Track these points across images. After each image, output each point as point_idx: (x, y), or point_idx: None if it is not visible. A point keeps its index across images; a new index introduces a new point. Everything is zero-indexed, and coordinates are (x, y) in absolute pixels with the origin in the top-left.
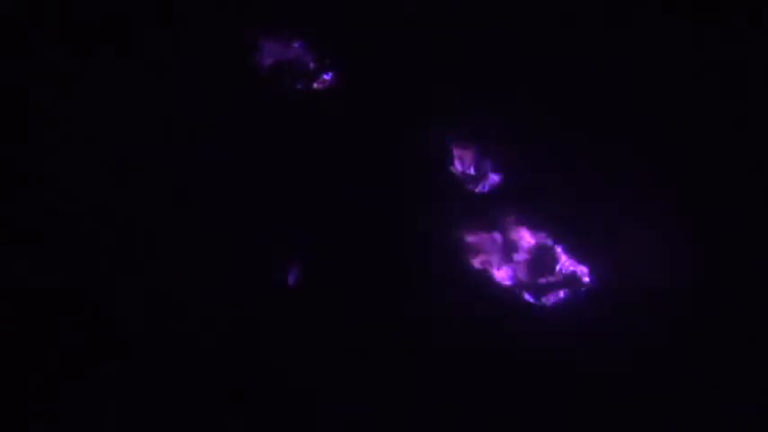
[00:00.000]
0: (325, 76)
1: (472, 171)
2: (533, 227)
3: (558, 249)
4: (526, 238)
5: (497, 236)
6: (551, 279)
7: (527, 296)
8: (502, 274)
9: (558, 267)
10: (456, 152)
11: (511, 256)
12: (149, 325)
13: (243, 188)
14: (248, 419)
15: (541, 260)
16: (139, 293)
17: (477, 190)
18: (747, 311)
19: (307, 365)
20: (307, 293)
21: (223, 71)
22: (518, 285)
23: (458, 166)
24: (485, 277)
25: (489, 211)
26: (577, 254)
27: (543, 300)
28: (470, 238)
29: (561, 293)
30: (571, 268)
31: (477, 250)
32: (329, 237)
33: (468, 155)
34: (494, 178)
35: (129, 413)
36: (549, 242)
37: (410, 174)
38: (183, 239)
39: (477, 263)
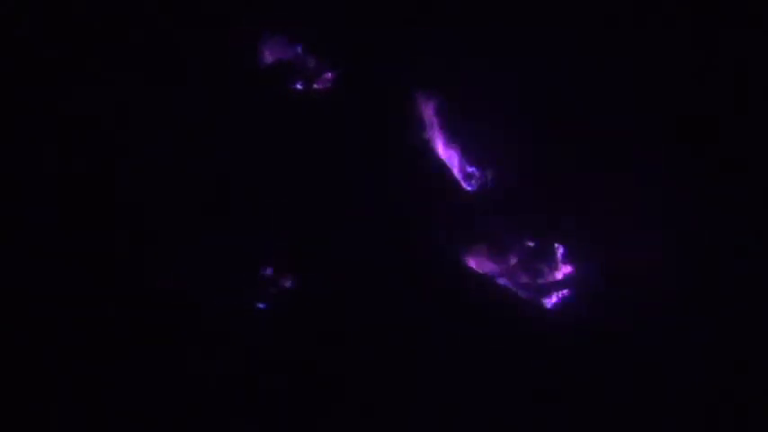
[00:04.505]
0: (326, 76)
1: (472, 171)
2: (533, 227)
3: (558, 250)
4: (526, 239)
5: (497, 236)
6: (551, 279)
7: (527, 296)
8: (501, 275)
9: (557, 267)
10: (456, 152)
11: (510, 256)
12: (148, 325)
13: (243, 187)
14: (247, 420)
15: (541, 260)
16: (139, 293)
17: (476, 190)
18: (747, 312)
19: (306, 365)
20: (306, 293)
21: (223, 71)
22: (517, 286)
23: (458, 167)
24: (484, 277)
25: (489, 211)
26: (577, 254)
27: (543, 300)
28: (470, 239)
29: (561, 293)
30: (571, 268)
31: (476, 251)
32: (329, 236)
33: (468, 155)
34: (494, 179)
35: (128, 413)
36: (549, 242)
37: (410, 173)
38: (182, 239)
39: (476, 263)
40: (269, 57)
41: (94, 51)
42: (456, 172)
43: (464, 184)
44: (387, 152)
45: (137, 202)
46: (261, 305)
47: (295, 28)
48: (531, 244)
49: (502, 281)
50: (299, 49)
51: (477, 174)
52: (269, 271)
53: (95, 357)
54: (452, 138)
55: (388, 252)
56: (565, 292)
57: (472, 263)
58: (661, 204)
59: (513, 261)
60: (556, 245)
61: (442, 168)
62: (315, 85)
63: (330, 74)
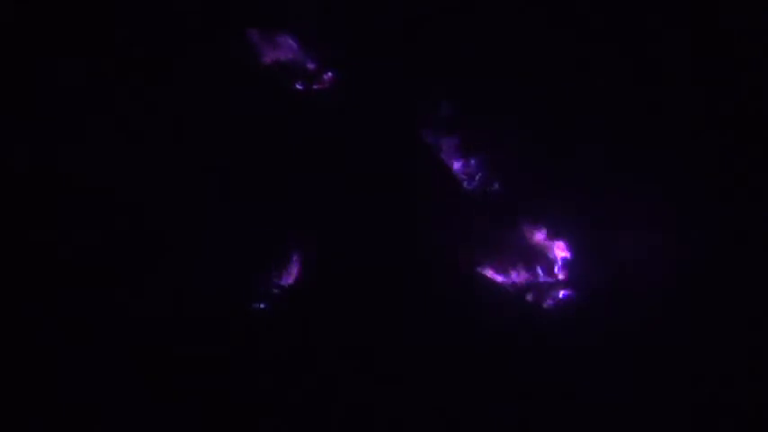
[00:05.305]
0: (326, 76)
1: (473, 171)
2: (533, 227)
3: (558, 250)
4: (527, 239)
5: (497, 236)
6: (551, 279)
7: (526, 296)
8: (501, 275)
9: (557, 267)
10: (456, 152)
11: (510, 256)
12: (147, 325)
13: (242, 188)
14: (247, 420)
15: (541, 260)
16: (139, 294)
17: (476, 190)
18: (747, 312)
19: (306, 365)
20: (306, 294)
21: (223, 71)
22: (517, 286)
23: (458, 166)
24: (483, 277)
25: (488, 211)
26: (577, 254)
27: (543, 300)
28: (469, 238)
29: (561, 293)
30: (571, 268)
31: (475, 250)
32: (328, 236)
33: (469, 155)
34: (493, 178)
35: (128, 412)
36: (549, 242)
37: (410, 173)
38: (182, 239)
39: (475, 263)
40: (269, 57)
41: (94, 51)
42: (456, 171)
43: (464, 184)
44: (386, 152)
45: (136, 202)
46: (261, 305)
47: (295, 28)
48: (531, 244)
49: (502, 280)
50: (299, 49)
51: (477, 173)
52: (269, 271)
53: (95, 357)
54: (452, 137)
55: (388, 252)
56: (565, 292)
57: (472, 262)
58: (661, 204)
59: (514, 261)
60: (556, 245)
61: (443, 168)
62: (315, 85)
63: (330, 74)
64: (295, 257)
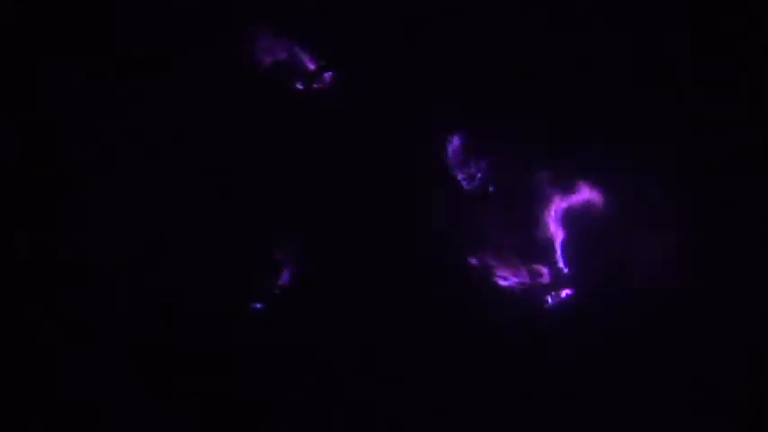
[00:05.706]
0: (326, 76)
1: (473, 171)
2: (533, 227)
3: (558, 250)
4: (527, 239)
5: (497, 236)
6: (551, 279)
7: (527, 296)
8: (501, 274)
9: (557, 268)
10: (456, 152)
11: (511, 256)
12: (147, 325)
13: (242, 188)
14: (246, 419)
15: (541, 260)
16: (139, 294)
17: (476, 190)
18: (747, 312)
19: (306, 365)
20: (306, 293)
21: (223, 71)
22: (517, 286)
23: (458, 167)
24: (484, 277)
25: (489, 211)
26: (577, 254)
27: (543, 300)
28: (470, 239)
29: (561, 293)
30: (571, 269)
31: (476, 250)
32: (328, 236)
33: (469, 155)
34: (494, 178)
35: (128, 412)
36: (549, 242)
37: (409, 173)
38: (182, 240)
39: (476, 263)
40: (268, 57)
41: (94, 51)
42: (456, 171)
43: (464, 184)
44: (386, 152)
45: (136, 202)
46: (260, 305)
47: (294, 28)
48: (531, 244)
49: (502, 281)
50: (299, 50)
51: (477, 173)
52: (269, 271)
53: (95, 357)
54: (453, 137)
55: (388, 252)
56: (565, 292)
57: (472, 262)
58: (661, 204)
59: (514, 261)
60: (556, 245)
61: (442, 168)
62: (315, 85)
63: (330, 74)
64: (295, 257)
